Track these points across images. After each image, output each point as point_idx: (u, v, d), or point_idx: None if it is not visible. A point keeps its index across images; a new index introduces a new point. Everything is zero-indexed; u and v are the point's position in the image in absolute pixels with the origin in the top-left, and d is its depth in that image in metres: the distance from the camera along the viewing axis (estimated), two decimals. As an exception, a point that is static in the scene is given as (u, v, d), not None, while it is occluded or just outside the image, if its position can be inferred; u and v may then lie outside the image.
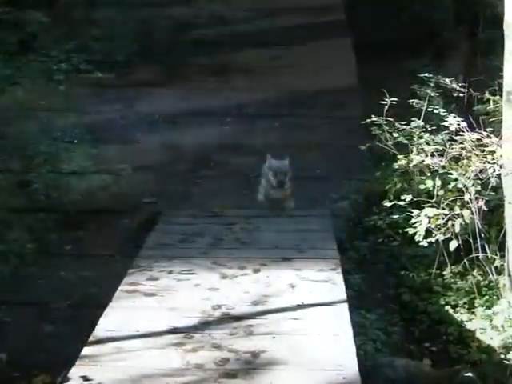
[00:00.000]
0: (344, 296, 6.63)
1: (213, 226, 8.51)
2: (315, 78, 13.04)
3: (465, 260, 8.06)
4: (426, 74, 8.66)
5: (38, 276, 8.14)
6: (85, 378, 5.31)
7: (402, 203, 7.95)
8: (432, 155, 7.92)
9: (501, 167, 7.58)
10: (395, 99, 8.18)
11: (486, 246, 7.88)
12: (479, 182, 7.74)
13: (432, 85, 8.70)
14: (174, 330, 5.98)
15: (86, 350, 5.71)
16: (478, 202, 7.72)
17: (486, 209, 7.79)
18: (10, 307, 7.46)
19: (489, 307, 7.78)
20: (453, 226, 7.63)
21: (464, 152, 7.78)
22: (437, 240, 7.80)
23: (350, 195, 9.89)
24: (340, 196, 9.98)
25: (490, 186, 7.76)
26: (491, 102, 8.43)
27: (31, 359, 6.63)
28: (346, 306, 6.44)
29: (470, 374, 6.52)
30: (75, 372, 5.39)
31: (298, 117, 12.74)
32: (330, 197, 9.95)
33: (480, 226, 7.78)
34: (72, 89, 9.64)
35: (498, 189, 7.82)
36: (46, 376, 6.31)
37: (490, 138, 7.77)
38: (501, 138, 7.66)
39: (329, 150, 11.20)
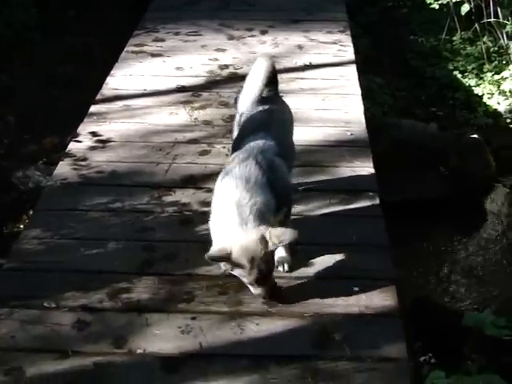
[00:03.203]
0: (352, 57, 6.57)
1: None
2: None
3: (476, 25, 7.89)
4: None
5: (42, 40, 8.00)
6: (94, 134, 5.35)
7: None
8: None
9: None
10: None
11: (499, 10, 7.68)
12: None
13: None
14: (181, 89, 5.97)
15: (93, 108, 5.72)
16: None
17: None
18: (16, 72, 7.37)
19: (497, 72, 7.71)
20: (465, -12, 7.41)
21: None
22: (448, 3, 7.60)
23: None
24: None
25: None
26: None
27: (40, 122, 6.62)
28: (354, 67, 6.39)
29: (475, 136, 6.54)
30: (84, 128, 5.43)
31: None
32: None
33: (492, -13, 7.56)
34: None
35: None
36: (54, 138, 6.31)
37: None
38: None
39: None
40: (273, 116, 4.16)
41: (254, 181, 3.68)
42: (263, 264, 3.59)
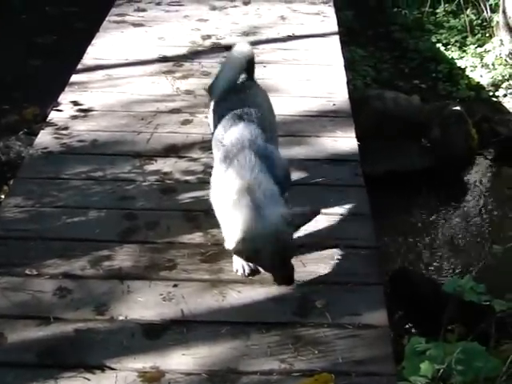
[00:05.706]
0: (335, 28, 6.54)
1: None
2: None
3: (459, -3, 7.91)
4: None
5: (22, 10, 7.93)
6: (75, 103, 5.31)
7: None
8: None
9: None
10: None
11: (482, -18, 7.69)
12: None
13: None
14: (163, 59, 5.94)
15: (74, 77, 5.67)
16: None
17: None
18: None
19: (480, 45, 7.74)
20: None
21: None
22: (431, -24, 7.59)
23: None
24: None
25: None
26: None
27: (20, 93, 6.57)
28: (337, 38, 6.37)
29: (458, 108, 6.56)
30: (65, 98, 5.39)
31: None
32: None
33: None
34: None
35: None
36: (35, 108, 6.27)
37: None
38: None
39: None
40: (251, 103, 3.98)
41: (257, 170, 3.58)
42: (286, 252, 3.48)
